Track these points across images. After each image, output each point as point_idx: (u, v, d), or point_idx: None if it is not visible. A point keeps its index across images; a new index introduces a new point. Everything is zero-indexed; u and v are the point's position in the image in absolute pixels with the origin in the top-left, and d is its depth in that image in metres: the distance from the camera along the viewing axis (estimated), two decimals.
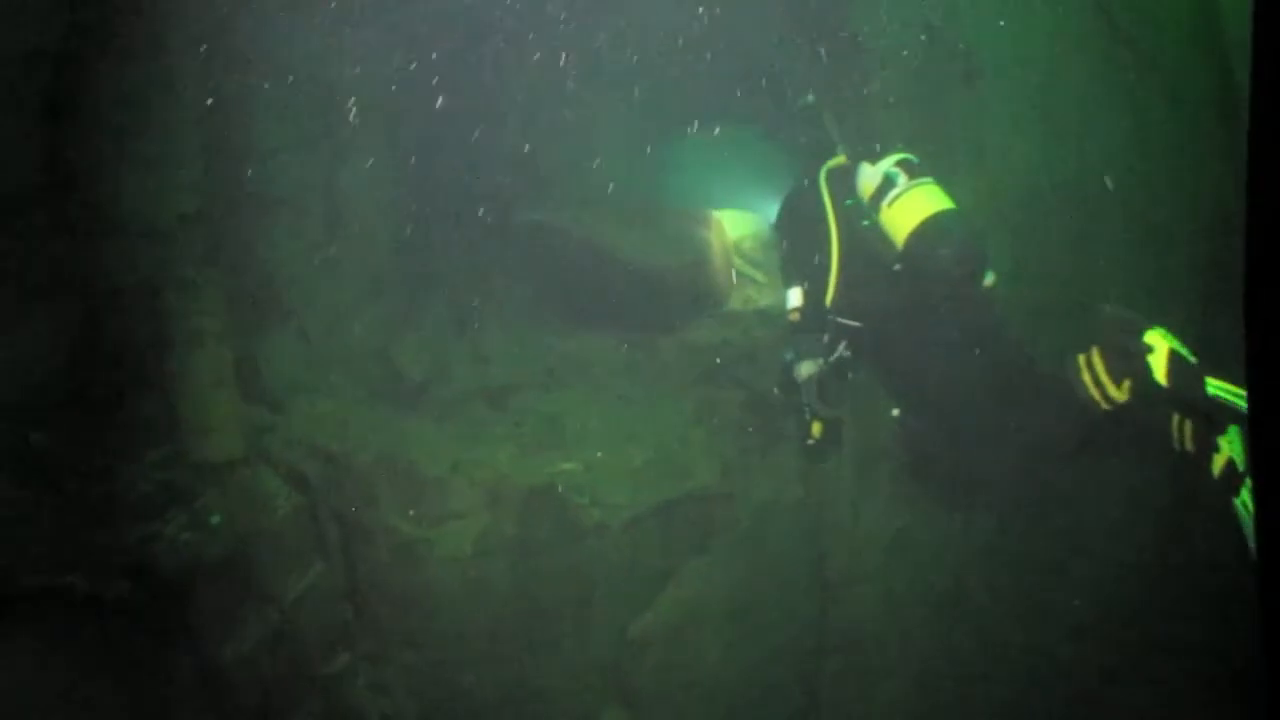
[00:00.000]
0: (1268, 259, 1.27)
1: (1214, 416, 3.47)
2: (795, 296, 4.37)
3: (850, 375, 4.39)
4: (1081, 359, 3.67)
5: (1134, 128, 5.25)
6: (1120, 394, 3.59)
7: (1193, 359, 3.53)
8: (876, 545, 5.49)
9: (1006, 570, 5.49)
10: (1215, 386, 3.45)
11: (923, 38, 5.04)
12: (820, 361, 4.22)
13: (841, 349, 4.22)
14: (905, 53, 5.05)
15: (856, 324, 4.18)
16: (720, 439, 5.48)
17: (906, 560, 5.52)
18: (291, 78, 5.16)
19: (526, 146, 5.87)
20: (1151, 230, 5.36)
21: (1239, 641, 4.67)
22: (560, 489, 5.01)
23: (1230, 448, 3.48)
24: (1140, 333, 3.61)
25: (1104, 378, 3.60)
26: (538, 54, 5.72)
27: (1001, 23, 5.00)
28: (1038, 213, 5.32)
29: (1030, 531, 5.34)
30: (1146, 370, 3.53)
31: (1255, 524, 1.42)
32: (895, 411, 4.41)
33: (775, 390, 4.50)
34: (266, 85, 5.04)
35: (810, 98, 4.75)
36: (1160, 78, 5.22)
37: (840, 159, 4.57)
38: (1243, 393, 3.35)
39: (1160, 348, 3.54)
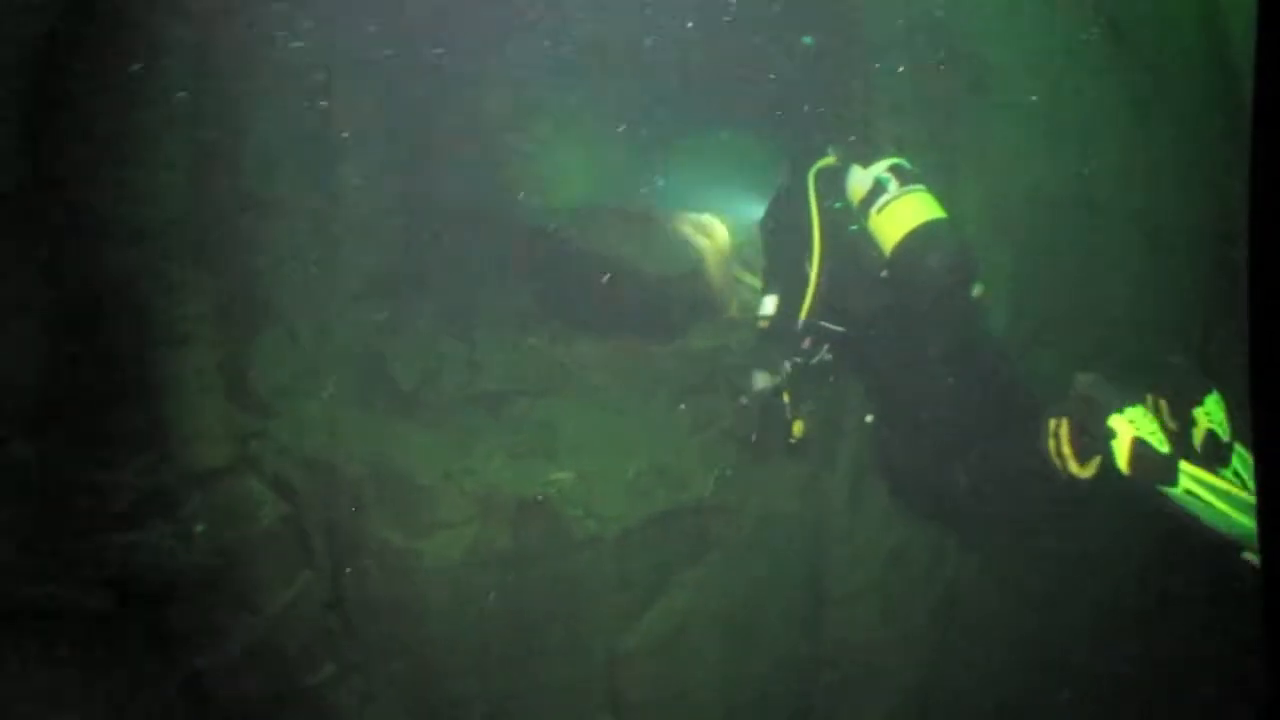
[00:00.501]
0: (1270, 266, 1.29)
1: (1171, 516, 3.26)
2: (770, 304, 4.35)
3: (831, 379, 4.35)
4: (1052, 424, 3.52)
5: (1138, 136, 5.20)
6: (1084, 471, 3.43)
7: (1164, 449, 3.25)
8: (874, 557, 5.40)
9: (1005, 580, 5.40)
10: (1190, 476, 3.23)
11: (927, 44, 4.97)
12: (780, 374, 4.27)
13: (823, 353, 4.15)
14: (910, 59, 4.97)
15: (840, 329, 4.14)
16: (716, 449, 5.39)
17: (904, 571, 5.43)
18: (284, 74, 5.08)
19: (525, 148, 5.80)
20: (1155, 238, 5.30)
21: (1243, 644, 4.60)
22: (553, 499, 4.93)
23: (1208, 418, 3.35)
24: (1108, 415, 3.34)
25: (1067, 451, 3.46)
26: (537, 53, 5.65)
27: (1007, 31, 4.93)
28: (1042, 222, 5.25)
29: (1029, 539, 5.26)
30: (1110, 455, 3.33)
31: (1259, 526, 1.42)
32: (869, 418, 4.33)
33: (742, 399, 4.49)
34: (257, 82, 4.97)
35: (808, 40, 4.67)
36: (1165, 86, 5.16)
37: (830, 159, 4.49)
38: (1221, 488, 3.18)
39: (1124, 434, 3.29)
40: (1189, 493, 3.22)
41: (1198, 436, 3.37)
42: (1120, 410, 3.33)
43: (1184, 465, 3.24)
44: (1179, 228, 5.25)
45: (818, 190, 4.26)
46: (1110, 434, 3.32)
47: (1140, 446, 3.27)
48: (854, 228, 4.14)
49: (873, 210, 4.02)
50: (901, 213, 3.97)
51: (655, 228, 5.95)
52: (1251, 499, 3.16)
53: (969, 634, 5.43)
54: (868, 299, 4.10)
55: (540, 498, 4.93)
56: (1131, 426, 3.30)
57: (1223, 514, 3.19)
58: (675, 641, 5.08)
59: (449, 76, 5.42)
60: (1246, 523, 3.15)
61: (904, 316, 4.04)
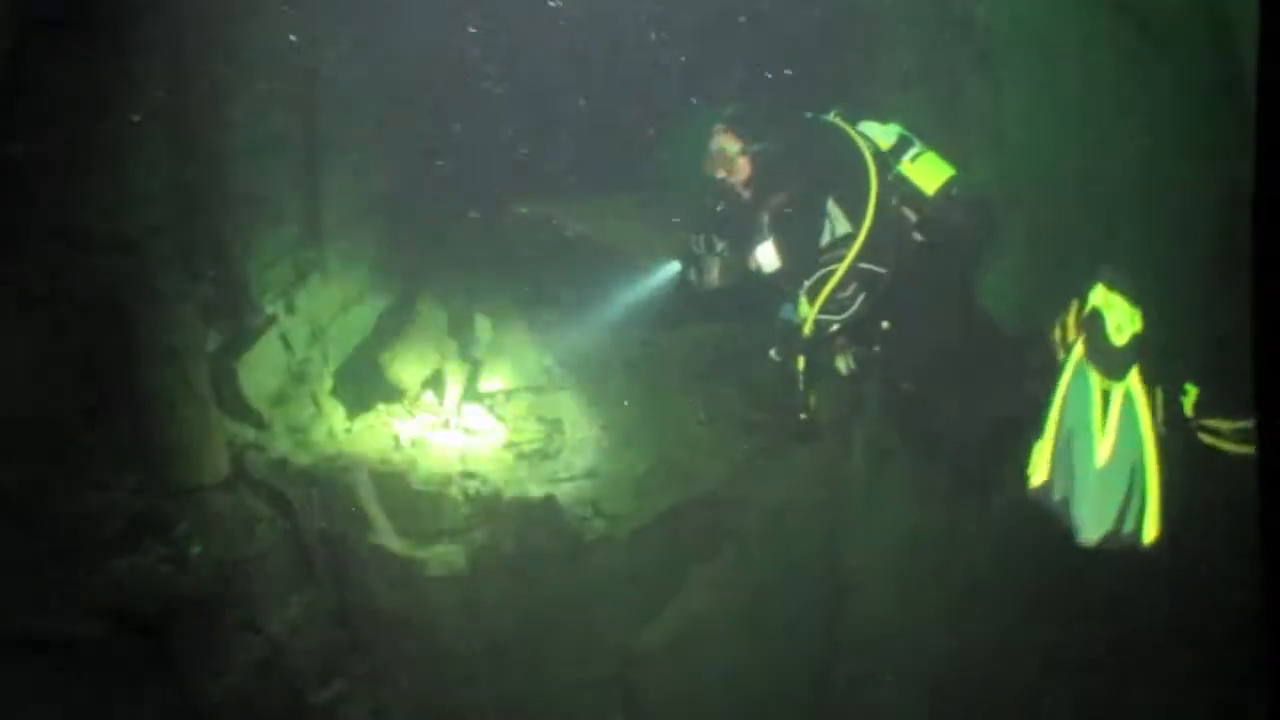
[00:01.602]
0: (1274, 245, 1.29)
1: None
2: (771, 254, 4.26)
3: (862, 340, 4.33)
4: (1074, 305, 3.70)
5: (1147, 111, 5.04)
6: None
7: (1118, 341, 3.46)
8: (891, 545, 5.27)
9: (1023, 570, 5.28)
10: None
11: (932, 17, 4.79)
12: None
13: (860, 302, 4.08)
14: (916, 31, 4.79)
15: (883, 270, 4.11)
16: (726, 440, 5.25)
17: (922, 560, 5.31)
18: (268, 69, 4.87)
19: (517, 136, 5.61)
20: (1162, 214, 5.17)
21: (1252, 637, 4.49)
22: (559, 500, 4.79)
23: None
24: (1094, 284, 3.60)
25: (1071, 322, 3.66)
26: (529, 39, 5.44)
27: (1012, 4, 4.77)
28: (1053, 196, 5.11)
29: (1048, 529, 5.14)
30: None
31: (1258, 520, 1.49)
32: (885, 324, 4.27)
33: (772, 353, 4.36)
34: (241, 78, 4.75)
35: None
36: (1173, 61, 5.00)
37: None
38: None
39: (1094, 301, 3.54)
40: (1128, 396, 3.40)
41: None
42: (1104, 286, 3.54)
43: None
44: (1188, 207, 5.11)
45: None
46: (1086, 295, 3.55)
47: (1094, 318, 3.46)
48: (891, 175, 4.17)
49: (905, 159, 4.18)
50: (933, 163, 4.17)
51: (653, 214, 5.76)
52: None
53: (987, 622, 5.31)
54: (909, 240, 4.17)
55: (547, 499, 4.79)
56: (1101, 298, 3.51)
57: (1139, 434, 3.40)
58: (690, 640, 4.95)
59: (442, 68, 5.20)
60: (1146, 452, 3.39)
61: (941, 256, 4.18)
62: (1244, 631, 4.45)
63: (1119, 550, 5.00)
